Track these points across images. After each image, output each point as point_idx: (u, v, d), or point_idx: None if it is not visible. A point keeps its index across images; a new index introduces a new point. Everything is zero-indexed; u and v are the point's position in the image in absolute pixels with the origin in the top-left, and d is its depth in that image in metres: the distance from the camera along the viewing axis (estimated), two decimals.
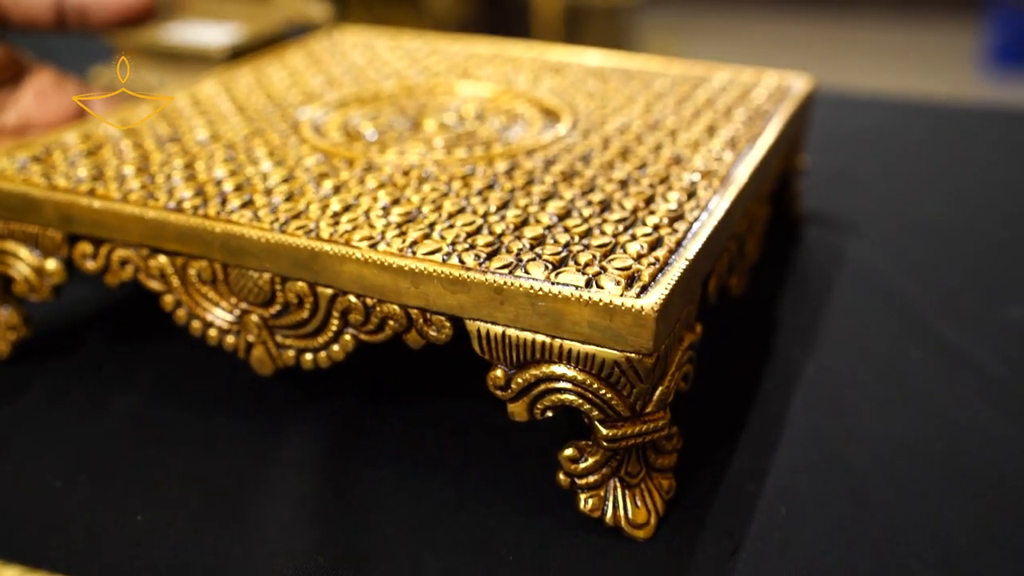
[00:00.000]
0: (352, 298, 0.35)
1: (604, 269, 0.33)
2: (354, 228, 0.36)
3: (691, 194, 0.39)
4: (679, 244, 0.35)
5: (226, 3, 0.80)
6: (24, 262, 0.41)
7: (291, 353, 0.38)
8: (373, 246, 0.34)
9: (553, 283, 0.32)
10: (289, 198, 0.38)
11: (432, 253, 0.34)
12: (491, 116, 0.49)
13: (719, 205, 0.38)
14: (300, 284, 0.36)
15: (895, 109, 0.82)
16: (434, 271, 0.33)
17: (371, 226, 0.36)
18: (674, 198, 0.38)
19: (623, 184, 0.39)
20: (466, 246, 0.34)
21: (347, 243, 0.35)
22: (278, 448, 0.38)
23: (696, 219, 0.36)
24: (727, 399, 0.42)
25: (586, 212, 0.37)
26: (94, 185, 0.39)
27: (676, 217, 0.37)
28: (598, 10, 2.38)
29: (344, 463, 0.37)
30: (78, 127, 0.45)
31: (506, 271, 0.33)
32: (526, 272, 0.32)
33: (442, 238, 0.35)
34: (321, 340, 0.37)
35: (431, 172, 0.41)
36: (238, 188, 0.39)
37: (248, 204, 0.38)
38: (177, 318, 0.39)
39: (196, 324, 0.39)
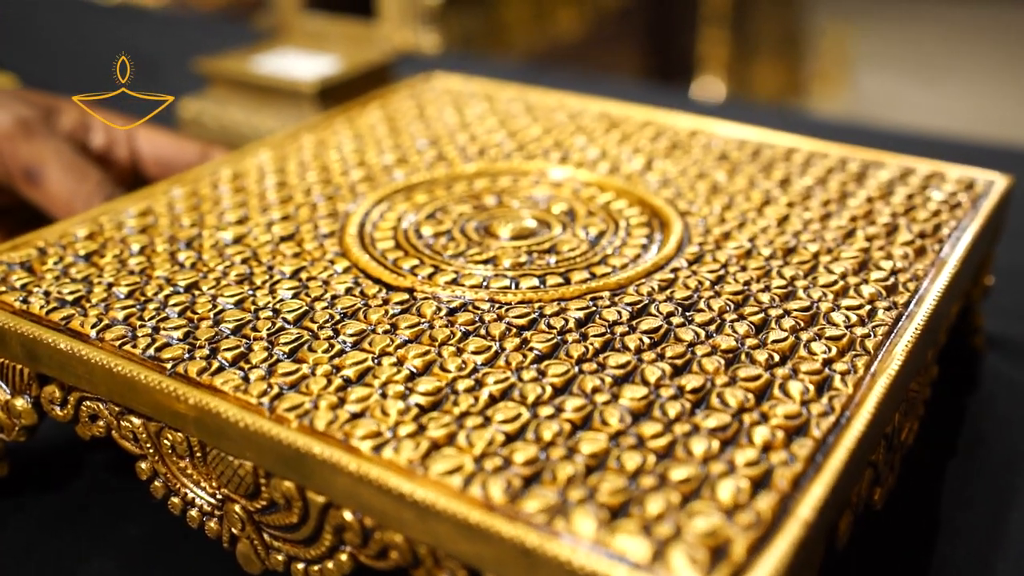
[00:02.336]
0: (347, 514, 0.27)
1: (679, 531, 0.23)
2: (362, 412, 0.27)
3: (823, 385, 0.28)
4: (796, 484, 0.24)
5: (333, 28, 0.73)
6: None
7: (281, 557, 0.29)
8: (378, 448, 0.26)
9: (602, 548, 0.22)
10: (295, 351, 0.30)
11: (450, 473, 0.25)
12: (582, 219, 0.39)
13: (863, 407, 0.27)
14: (287, 484, 0.28)
15: None
16: (444, 509, 0.24)
17: (384, 412, 0.27)
18: (797, 392, 0.28)
19: (731, 359, 0.29)
20: (498, 462, 0.25)
21: (345, 440, 0.26)
22: None
23: (826, 435, 0.26)
24: None
25: (672, 410, 0.27)
26: (72, 312, 0.32)
27: (797, 428, 0.26)
28: None
29: None
30: (92, 217, 0.39)
31: (543, 518, 0.23)
32: (567, 523, 0.23)
33: (469, 444, 0.26)
34: (314, 552, 0.28)
35: (483, 317, 0.32)
36: (238, 330, 0.31)
37: (242, 359, 0.30)
38: (154, 490, 0.31)
39: (175, 501, 0.31)
